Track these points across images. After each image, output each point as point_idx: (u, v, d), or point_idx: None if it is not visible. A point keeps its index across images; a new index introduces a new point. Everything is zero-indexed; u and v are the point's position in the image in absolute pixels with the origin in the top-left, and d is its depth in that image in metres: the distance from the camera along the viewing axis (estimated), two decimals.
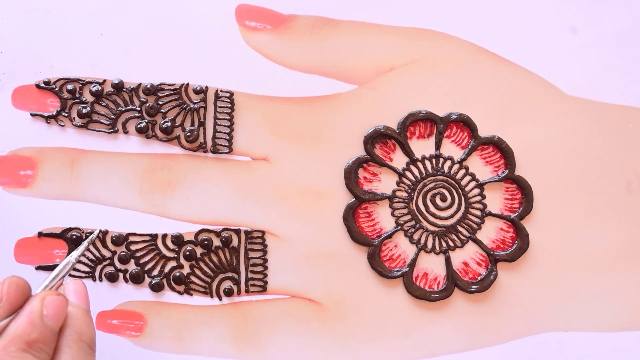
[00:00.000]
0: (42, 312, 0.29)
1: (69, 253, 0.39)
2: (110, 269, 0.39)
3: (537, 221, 0.40)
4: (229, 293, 0.39)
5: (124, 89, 0.40)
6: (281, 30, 0.40)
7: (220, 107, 0.40)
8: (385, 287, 0.40)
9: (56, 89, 0.40)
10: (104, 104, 0.40)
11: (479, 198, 0.40)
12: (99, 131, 0.40)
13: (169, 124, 0.39)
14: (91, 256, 0.39)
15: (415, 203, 0.40)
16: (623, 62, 0.41)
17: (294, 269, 0.39)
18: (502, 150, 0.40)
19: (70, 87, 0.39)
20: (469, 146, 0.40)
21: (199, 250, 0.39)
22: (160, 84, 0.40)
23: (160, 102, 0.40)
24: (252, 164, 0.40)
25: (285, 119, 0.40)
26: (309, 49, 0.40)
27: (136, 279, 0.39)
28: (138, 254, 0.39)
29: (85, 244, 0.34)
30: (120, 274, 0.39)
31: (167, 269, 0.39)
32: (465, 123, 0.40)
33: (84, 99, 0.40)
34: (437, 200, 0.40)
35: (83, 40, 0.40)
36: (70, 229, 0.39)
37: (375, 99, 0.40)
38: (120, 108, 0.40)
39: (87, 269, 0.39)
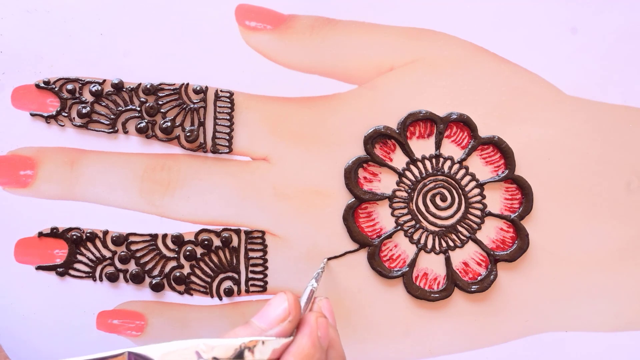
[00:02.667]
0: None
1: (69, 253, 0.39)
2: (111, 269, 0.39)
3: (537, 221, 0.40)
4: (229, 293, 0.39)
5: (124, 89, 0.40)
6: (281, 30, 0.40)
7: (220, 107, 0.40)
8: (385, 287, 0.40)
9: (56, 89, 0.40)
10: (103, 103, 0.40)
11: (479, 198, 0.40)
12: (99, 131, 0.40)
13: (169, 123, 0.39)
14: (91, 256, 0.39)
15: (415, 203, 0.40)
16: (623, 62, 0.41)
17: (294, 269, 0.39)
18: (502, 150, 0.40)
19: (70, 87, 0.39)
20: (469, 146, 0.40)
21: (199, 250, 0.39)
22: (160, 84, 0.40)
23: (160, 102, 0.40)
24: (252, 164, 0.40)
25: (285, 119, 0.40)
26: (309, 49, 0.40)
27: (137, 279, 0.39)
28: (138, 254, 0.39)
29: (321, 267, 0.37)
30: (121, 274, 0.39)
31: (167, 269, 0.39)
32: (465, 123, 0.40)
33: (83, 98, 0.40)
34: (437, 200, 0.40)
35: (83, 40, 0.40)
36: (70, 229, 0.39)
37: (375, 98, 0.40)
38: (120, 108, 0.40)
39: (87, 269, 0.39)
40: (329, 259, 0.39)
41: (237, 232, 0.39)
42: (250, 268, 0.39)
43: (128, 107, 0.40)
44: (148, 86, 0.40)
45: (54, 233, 0.39)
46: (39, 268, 0.39)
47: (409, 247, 0.40)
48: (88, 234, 0.39)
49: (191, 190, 0.40)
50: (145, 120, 0.40)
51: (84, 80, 0.40)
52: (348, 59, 0.40)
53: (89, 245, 0.39)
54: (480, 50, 0.41)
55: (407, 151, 0.40)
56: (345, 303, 0.39)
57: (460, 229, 0.40)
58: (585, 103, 0.41)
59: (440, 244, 0.40)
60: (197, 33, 0.40)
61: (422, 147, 0.40)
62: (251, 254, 0.39)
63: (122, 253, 0.39)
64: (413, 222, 0.40)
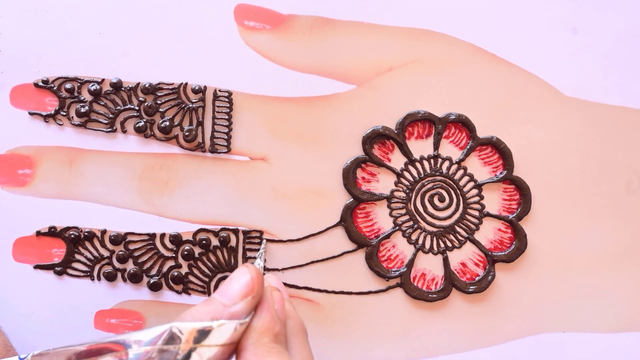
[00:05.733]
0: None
1: (67, 252, 0.39)
2: (109, 268, 0.39)
3: (535, 222, 0.40)
4: None
5: (123, 88, 0.40)
6: (280, 30, 0.40)
7: (218, 106, 0.40)
8: (383, 287, 0.40)
9: (54, 88, 0.40)
10: (102, 103, 0.40)
11: (477, 199, 0.40)
12: (98, 130, 0.40)
13: (168, 123, 0.39)
14: (89, 255, 0.39)
15: (413, 203, 0.40)
16: (622, 63, 0.41)
17: (292, 269, 0.39)
18: (500, 150, 0.40)
19: (68, 86, 0.39)
20: (468, 147, 0.40)
21: (197, 250, 0.39)
22: (159, 84, 0.40)
23: (158, 102, 0.40)
24: (250, 163, 0.40)
25: (283, 118, 0.40)
26: (308, 49, 0.40)
27: (134, 278, 0.39)
28: (136, 254, 0.39)
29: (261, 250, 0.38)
30: (119, 274, 0.39)
31: (165, 269, 0.39)
32: (463, 123, 0.40)
33: (82, 98, 0.40)
34: (435, 200, 0.40)
35: (82, 39, 0.40)
36: (68, 228, 0.39)
37: (374, 99, 0.40)
38: (118, 107, 0.40)
39: (85, 268, 0.39)
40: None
41: (235, 231, 0.39)
42: None
43: (127, 107, 0.40)
44: (147, 85, 0.40)
45: (52, 232, 0.39)
46: (37, 267, 0.39)
47: (407, 247, 0.40)
48: (86, 233, 0.39)
49: (189, 190, 0.40)
50: (144, 120, 0.40)
51: (82, 80, 0.40)
52: (347, 59, 0.40)
53: (87, 244, 0.39)
54: (480, 50, 0.41)
55: (406, 151, 0.40)
56: (343, 303, 0.39)
57: (458, 229, 0.40)
58: (584, 104, 0.41)
59: (438, 244, 0.40)
60: (195, 33, 0.40)
61: (421, 147, 0.40)
62: (249, 254, 0.39)
63: (120, 252, 0.39)
64: (411, 223, 0.40)
